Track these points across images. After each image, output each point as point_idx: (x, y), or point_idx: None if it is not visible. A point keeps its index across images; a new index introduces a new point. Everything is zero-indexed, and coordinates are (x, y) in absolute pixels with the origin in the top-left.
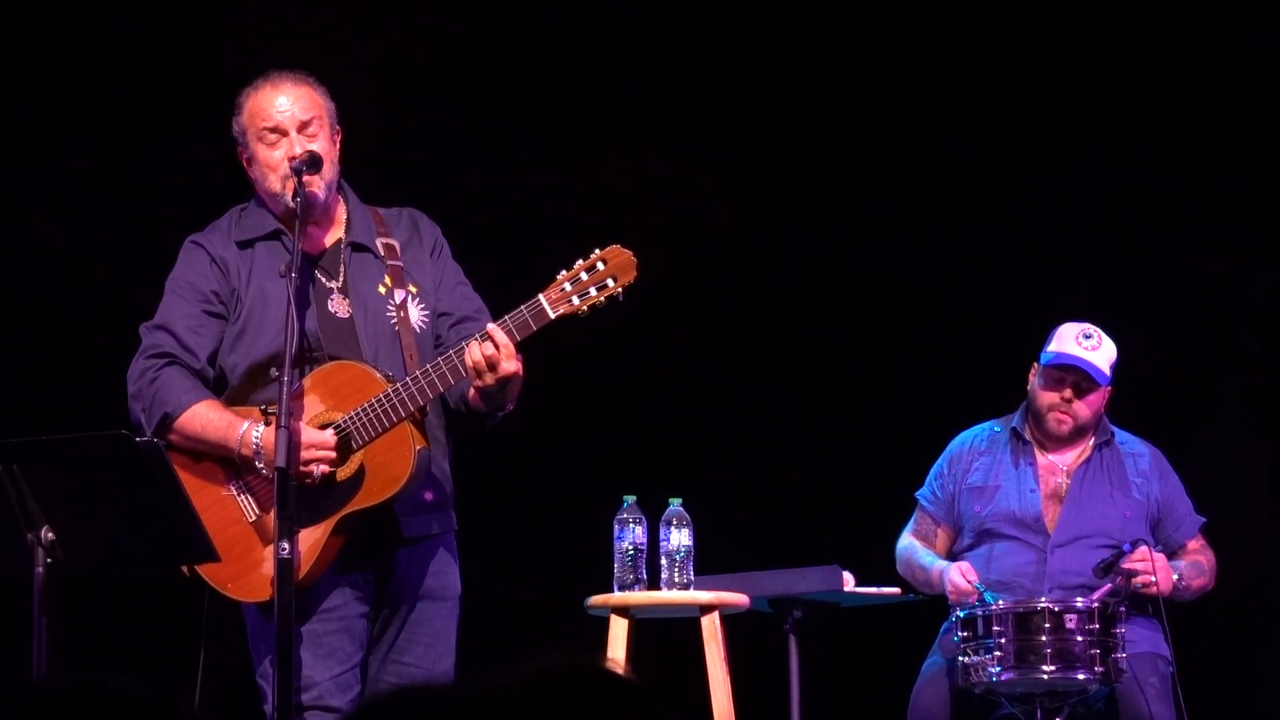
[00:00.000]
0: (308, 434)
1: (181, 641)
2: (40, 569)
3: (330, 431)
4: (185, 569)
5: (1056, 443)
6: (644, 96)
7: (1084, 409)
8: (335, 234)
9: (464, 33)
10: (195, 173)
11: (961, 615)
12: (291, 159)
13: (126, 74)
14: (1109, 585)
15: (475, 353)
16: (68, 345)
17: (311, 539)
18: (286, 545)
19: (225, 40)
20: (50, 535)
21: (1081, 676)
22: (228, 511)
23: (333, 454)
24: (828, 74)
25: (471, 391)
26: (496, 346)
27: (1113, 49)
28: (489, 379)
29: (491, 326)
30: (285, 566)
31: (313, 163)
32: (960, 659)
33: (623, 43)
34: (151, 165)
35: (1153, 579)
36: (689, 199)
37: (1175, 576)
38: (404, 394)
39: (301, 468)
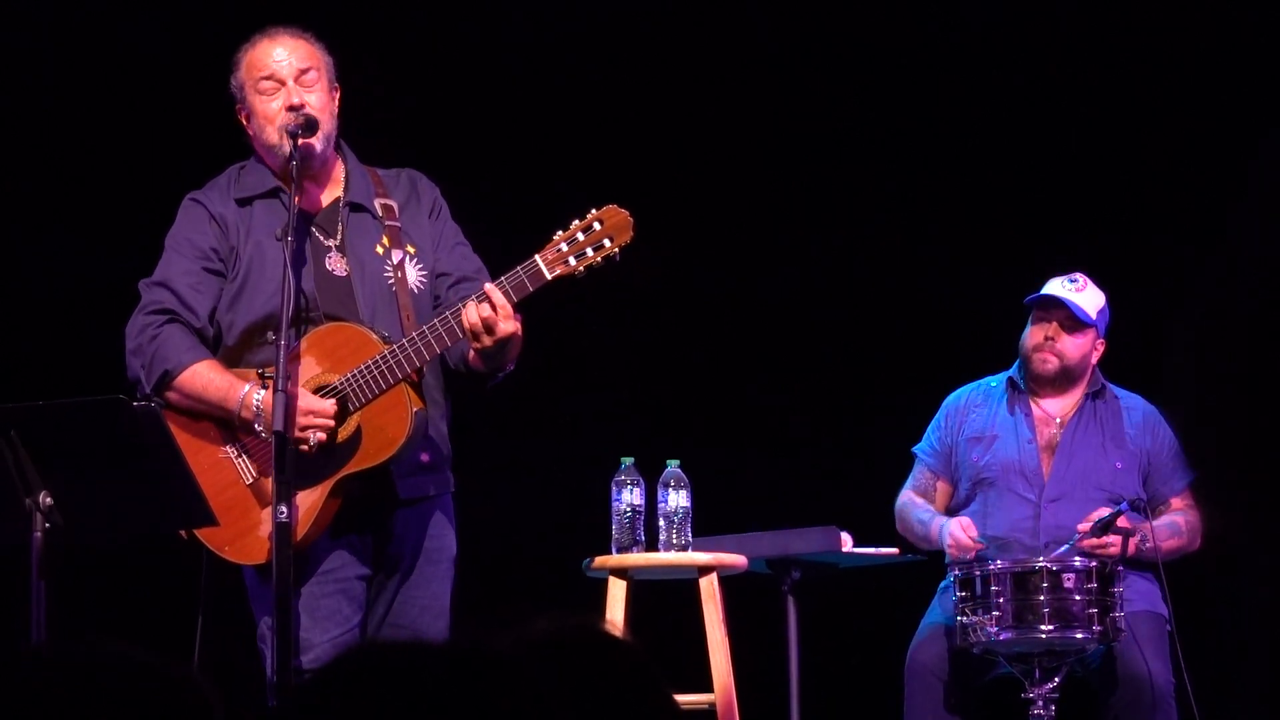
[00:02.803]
0: (307, 400)
1: (181, 605)
2: (38, 534)
3: (331, 402)
4: (183, 532)
5: (1045, 386)
6: (646, 58)
7: (1068, 347)
8: (333, 193)
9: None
10: (193, 132)
11: (959, 575)
12: (290, 109)
13: (119, 33)
14: (1069, 545)
15: (472, 314)
16: (64, 309)
17: (309, 501)
18: (285, 509)
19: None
20: (48, 500)
21: (1080, 636)
22: (225, 474)
23: (331, 422)
24: (830, 45)
25: (470, 353)
26: (494, 308)
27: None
28: (487, 340)
29: (489, 287)
30: (284, 530)
31: (309, 126)
32: (958, 619)
33: (626, 11)
34: (147, 126)
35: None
36: (686, 161)
37: (1138, 538)
38: (400, 356)
39: (298, 433)
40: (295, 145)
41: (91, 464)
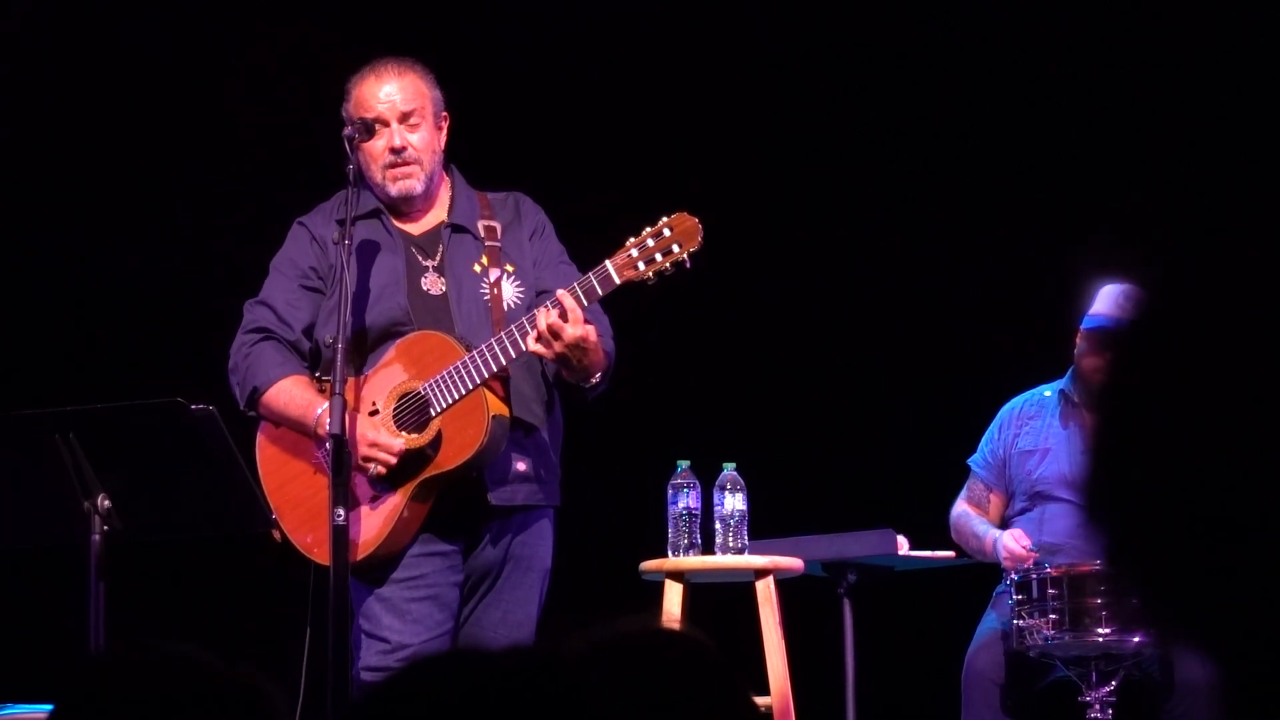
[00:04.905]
0: (376, 434)
1: (240, 608)
2: (97, 537)
3: (402, 440)
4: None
5: None
6: (718, 62)
7: None
8: (437, 215)
9: (527, 8)
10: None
11: (1015, 579)
12: (391, 150)
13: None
14: None
15: (542, 320)
16: (122, 311)
17: (390, 505)
18: (342, 511)
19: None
20: (106, 503)
21: (1136, 639)
22: (315, 479)
23: (393, 460)
24: (879, 38)
25: None
26: (564, 313)
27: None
28: (557, 346)
29: (560, 293)
30: (340, 533)
31: (366, 128)
32: (1014, 622)
33: (689, 20)
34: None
35: None
36: (747, 166)
37: None
38: (479, 360)
39: (360, 461)
40: (352, 149)
41: (149, 467)
